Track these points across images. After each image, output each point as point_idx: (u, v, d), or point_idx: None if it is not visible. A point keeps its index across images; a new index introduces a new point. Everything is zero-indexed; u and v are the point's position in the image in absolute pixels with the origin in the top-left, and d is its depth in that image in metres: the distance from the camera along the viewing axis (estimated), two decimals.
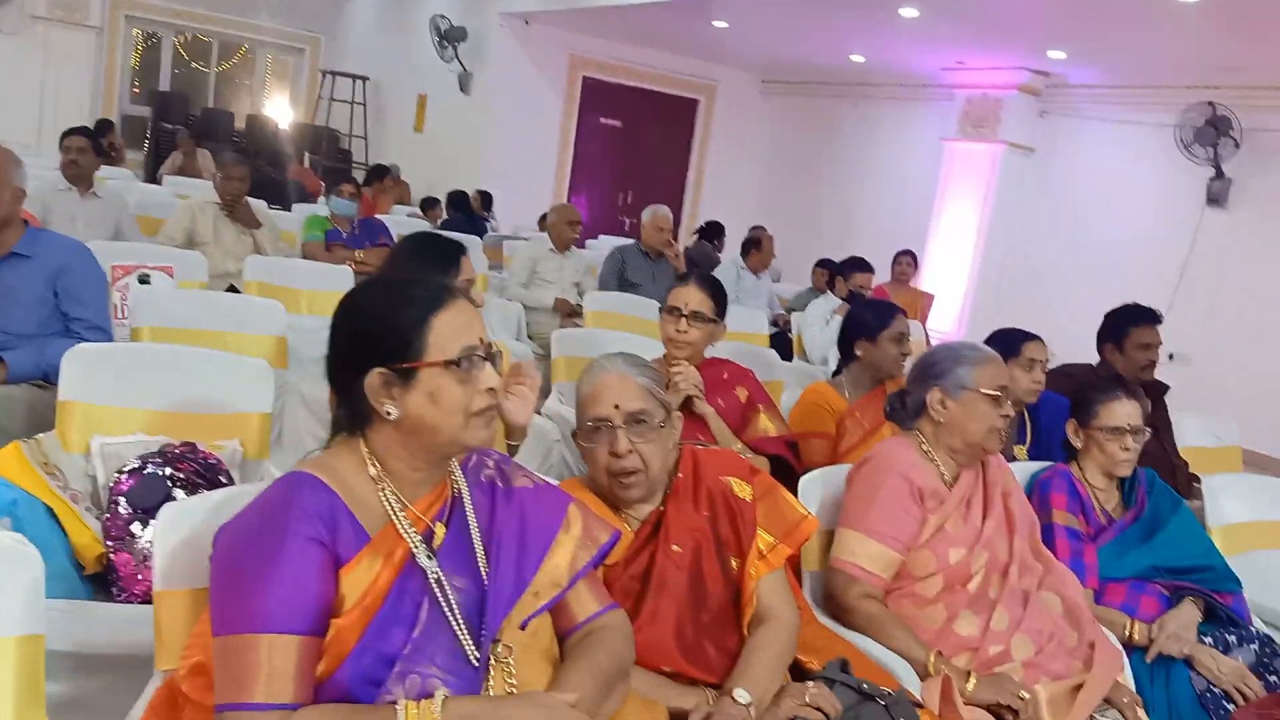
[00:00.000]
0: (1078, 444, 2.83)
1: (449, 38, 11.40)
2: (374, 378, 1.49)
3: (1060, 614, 2.33)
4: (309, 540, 1.42)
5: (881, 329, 3.33)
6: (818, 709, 1.79)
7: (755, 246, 7.35)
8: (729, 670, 1.87)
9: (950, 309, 9.73)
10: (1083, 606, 2.37)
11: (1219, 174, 8.25)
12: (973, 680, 2.13)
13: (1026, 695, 2.11)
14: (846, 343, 3.43)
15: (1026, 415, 3.42)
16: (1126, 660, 2.43)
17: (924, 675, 2.16)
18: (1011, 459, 3.24)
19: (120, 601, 2.25)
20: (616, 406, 1.95)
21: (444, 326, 1.51)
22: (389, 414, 1.50)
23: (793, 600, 2.03)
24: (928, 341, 6.72)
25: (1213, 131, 8.04)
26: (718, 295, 3.09)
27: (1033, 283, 9.65)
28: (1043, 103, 9.69)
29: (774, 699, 1.81)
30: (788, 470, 2.93)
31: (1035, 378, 3.28)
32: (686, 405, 2.94)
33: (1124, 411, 2.76)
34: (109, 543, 2.27)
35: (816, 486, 2.54)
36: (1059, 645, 2.26)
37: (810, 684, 1.84)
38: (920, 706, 1.95)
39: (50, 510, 2.21)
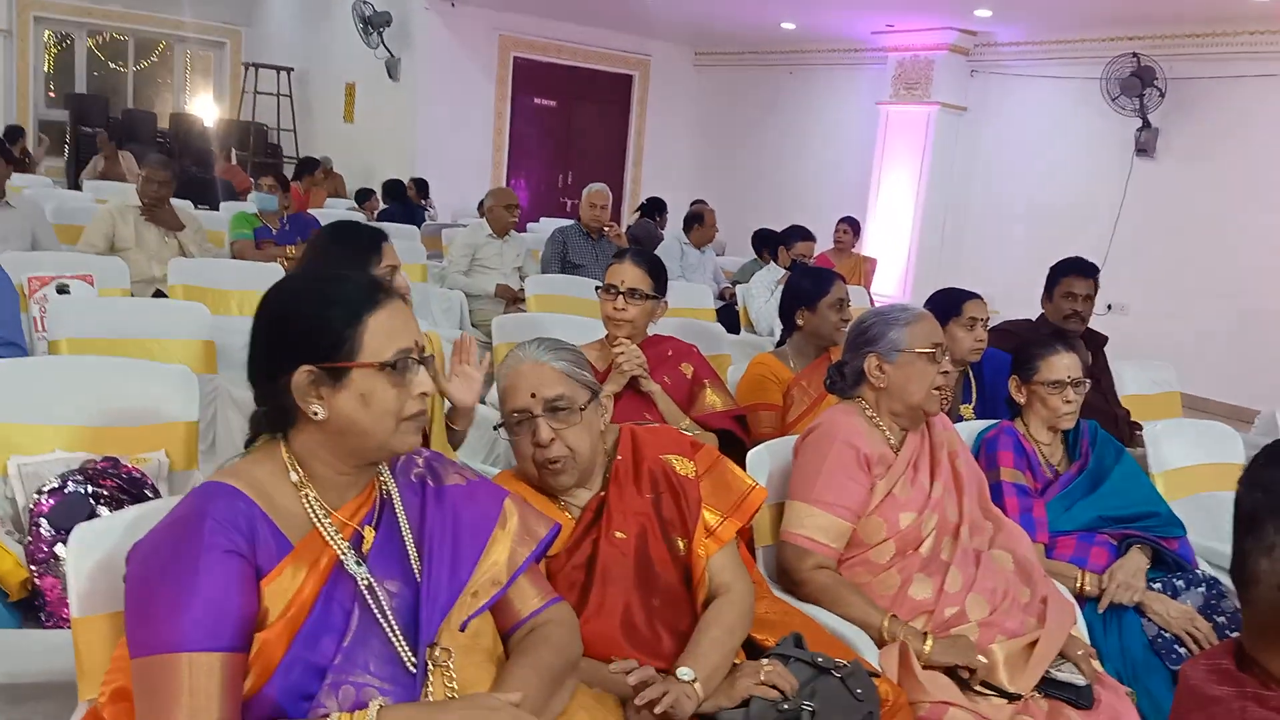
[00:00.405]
0: (1020, 400, 2.83)
1: (373, 23, 11.19)
2: (301, 376, 1.42)
3: (1012, 571, 2.33)
4: (226, 552, 1.35)
5: (820, 296, 3.31)
6: (773, 686, 1.76)
7: (698, 221, 7.31)
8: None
9: (894, 272, 9.79)
10: (1034, 563, 2.36)
11: (1145, 124, 8.36)
12: (929, 642, 2.11)
13: (983, 659, 2.10)
14: (787, 312, 3.41)
15: (971, 374, 3.41)
16: (1079, 612, 2.43)
17: (880, 642, 2.15)
18: (958, 419, 3.23)
19: (49, 627, 2.15)
20: (534, 395, 1.89)
21: (379, 327, 1.45)
22: (315, 414, 1.43)
23: (746, 574, 2.00)
24: (872, 305, 6.74)
25: (1138, 82, 8.13)
26: (656, 271, 3.04)
27: (972, 242, 9.74)
28: (972, 61, 9.75)
29: (728, 678, 1.78)
30: (737, 446, 2.90)
31: (977, 336, 3.28)
32: (633, 384, 2.89)
33: (1063, 364, 2.76)
34: (33, 567, 2.18)
35: (764, 459, 2.50)
36: (1013, 603, 2.25)
37: (765, 661, 1.82)
38: (877, 675, 1.93)
39: None
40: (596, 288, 3.10)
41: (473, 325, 5.68)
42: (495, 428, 2.08)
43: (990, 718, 2.03)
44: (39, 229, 5.10)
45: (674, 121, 12.92)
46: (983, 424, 2.90)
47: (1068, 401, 2.75)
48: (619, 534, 1.90)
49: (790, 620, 2.07)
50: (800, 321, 3.36)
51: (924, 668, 2.07)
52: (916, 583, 2.24)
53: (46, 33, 13.71)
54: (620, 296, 2.98)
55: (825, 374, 3.16)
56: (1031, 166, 9.37)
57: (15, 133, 10.74)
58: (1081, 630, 2.40)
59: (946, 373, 2.38)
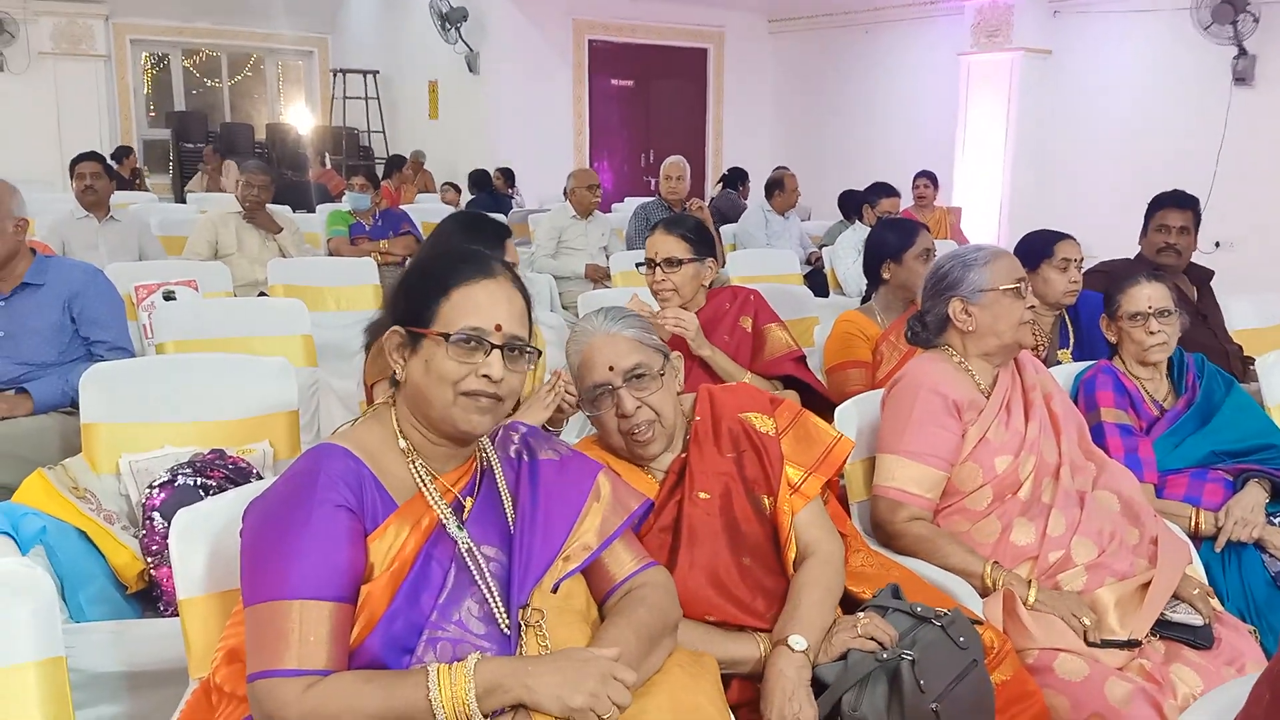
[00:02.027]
0: (1111, 337, 2.76)
1: (450, 19, 11.32)
2: (391, 336, 1.53)
3: (1118, 512, 2.25)
4: (336, 507, 1.42)
5: (905, 248, 3.24)
6: (871, 638, 1.73)
7: (778, 188, 7.24)
8: (777, 613, 1.82)
9: (987, 222, 9.55)
10: (1142, 503, 2.28)
11: (1242, 52, 8.01)
12: (1034, 590, 2.05)
13: (1090, 620, 2.03)
14: (872, 267, 3.35)
15: (1067, 319, 3.31)
16: (1194, 551, 2.34)
17: (983, 591, 2.10)
18: (1055, 364, 3.14)
19: (169, 615, 2.25)
20: (611, 367, 1.89)
21: (461, 300, 1.50)
22: (395, 374, 1.53)
23: (834, 531, 1.97)
24: None
25: (1230, 9, 7.78)
26: (692, 235, 2.98)
27: (1066, 185, 9.42)
28: (1054, 3, 9.42)
29: (826, 635, 1.76)
30: (822, 405, 2.86)
31: (1071, 278, 3.17)
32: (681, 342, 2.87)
33: (1144, 295, 2.67)
34: (148, 559, 2.28)
35: (852, 414, 2.46)
36: (1120, 544, 2.18)
37: (861, 614, 1.79)
38: (980, 623, 1.89)
39: (84, 534, 2.22)
40: (637, 264, 3.08)
41: (563, 307, 5.73)
42: (575, 406, 2.09)
43: (1103, 662, 1.97)
44: (144, 241, 5.31)
45: (751, 91, 12.78)
46: (1079, 365, 2.81)
47: (1152, 333, 2.65)
48: (703, 494, 1.89)
49: (888, 573, 2.04)
50: (886, 275, 3.30)
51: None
52: (1017, 528, 2.18)
53: (143, 55, 14.22)
54: (657, 268, 2.96)
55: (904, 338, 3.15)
56: (1123, 106, 9.01)
57: (124, 152, 11.19)
58: (1198, 570, 2.31)
59: (1032, 307, 2.31)
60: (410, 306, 1.53)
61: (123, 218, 5.25)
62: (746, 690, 1.77)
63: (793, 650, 1.70)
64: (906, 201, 6.92)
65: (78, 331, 3.08)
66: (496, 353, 1.49)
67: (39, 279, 3.05)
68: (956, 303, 2.31)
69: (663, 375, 1.91)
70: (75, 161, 5.18)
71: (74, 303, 3.06)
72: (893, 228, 3.42)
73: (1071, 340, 3.30)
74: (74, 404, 2.91)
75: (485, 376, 1.49)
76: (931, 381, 2.26)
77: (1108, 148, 9.14)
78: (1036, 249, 3.16)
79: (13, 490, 2.48)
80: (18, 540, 2.11)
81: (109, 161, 5.44)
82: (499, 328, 1.50)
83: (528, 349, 1.53)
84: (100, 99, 12.79)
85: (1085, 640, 2.02)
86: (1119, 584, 2.11)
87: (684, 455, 1.95)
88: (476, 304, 1.50)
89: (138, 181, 10.91)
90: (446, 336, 1.48)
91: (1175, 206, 3.68)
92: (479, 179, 9.66)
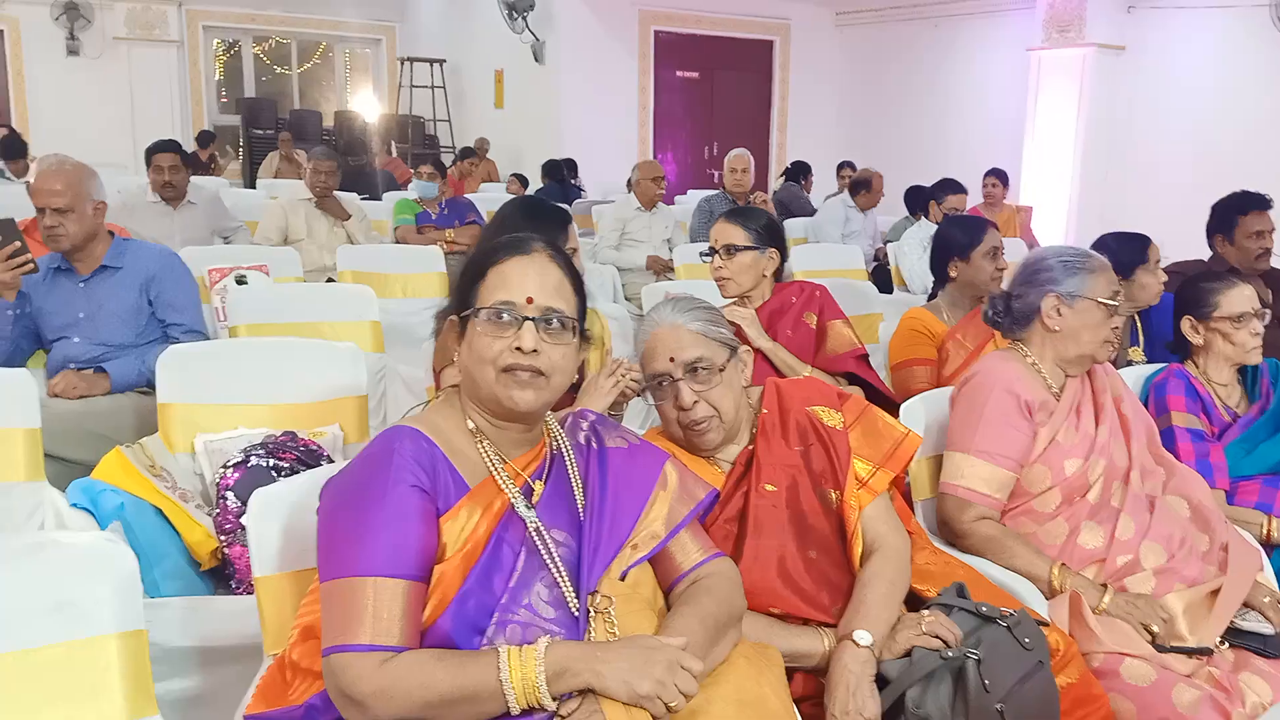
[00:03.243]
0: (1197, 341, 2.68)
1: (517, 8, 11.38)
2: (450, 327, 1.57)
3: (1188, 518, 2.22)
4: (411, 487, 1.45)
5: (973, 245, 3.20)
6: (936, 636, 1.72)
7: (865, 187, 7.23)
8: (842, 607, 1.82)
9: (1055, 220, 9.39)
10: (1212, 508, 2.24)
11: None
12: (1108, 595, 2.03)
13: (1165, 617, 2.00)
14: (940, 264, 3.31)
15: (1137, 318, 3.25)
16: (1266, 559, 2.29)
17: (1049, 593, 2.08)
18: (1127, 363, 3.09)
19: (240, 593, 2.31)
20: (672, 359, 1.90)
21: (495, 279, 1.54)
22: (455, 360, 1.57)
23: (901, 527, 1.96)
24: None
25: None
26: (754, 223, 2.98)
27: (1137, 184, 9.23)
28: None
29: (891, 631, 1.75)
30: (876, 395, 2.84)
31: (1161, 279, 3.14)
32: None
33: (1244, 296, 2.62)
34: (221, 537, 2.34)
35: (919, 411, 2.44)
36: (1190, 550, 2.14)
37: (926, 612, 1.78)
38: (1046, 625, 1.87)
39: (159, 511, 2.28)
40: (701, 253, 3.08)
41: (625, 298, 5.74)
42: (638, 393, 2.10)
43: (1171, 668, 1.94)
44: (221, 220, 5.33)
45: (817, 84, 12.68)
46: (1150, 369, 2.76)
47: (1255, 334, 2.60)
48: (769, 486, 1.89)
49: (952, 571, 2.01)
50: (953, 273, 3.26)
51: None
52: (1086, 530, 2.15)
53: (215, 41, 14.51)
54: (716, 255, 2.96)
55: (982, 325, 3.10)
56: (1197, 104, 8.81)
57: (208, 137, 11.43)
58: (1269, 578, 2.26)
59: (1117, 328, 2.28)
60: (459, 295, 1.57)
61: (198, 200, 5.24)
62: (810, 684, 1.77)
63: (858, 645, 1.70)
64: (974, 199, 6.84)
65: (154, 314, 3.16)
66: (529, 324, 1.51)
67: (117, 262, 3.14)
68: (1052, 299, 2.27)
69: (723, 370, 1.91)
70: (152, 151, 5.08)
71: (151, 285, 3.14)
72: (960, 225, 3.38)
73: (1141, 339, 3.25)
74: (149, 384, 3.00)
75: (518, 349, 1.50)
76: (1005, 381, 2.23)
77: (1180, 146, 8.94)
78: (1130, 254, 3.13)
79: (89, 466, 2.56)
80: (96, 515, 2.19)
81: (185, 151, 5.36)
82: (530, 300, 1.52)
83: (567, 319, 1.54)
84: (172, 85, 13.07)
85: (1153, 645, 1.99)
86: (1188, 590, 2.08)
87: (751, 447, 1.95)
88: (506, 280, 1.53)
89: (213, 166, 11.13)
90: (479, 311, 1.52)
91: (1260, 209, 3.59)
92: (550, 168, 9.70)
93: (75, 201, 3.01)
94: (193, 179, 5.34)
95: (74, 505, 2.22)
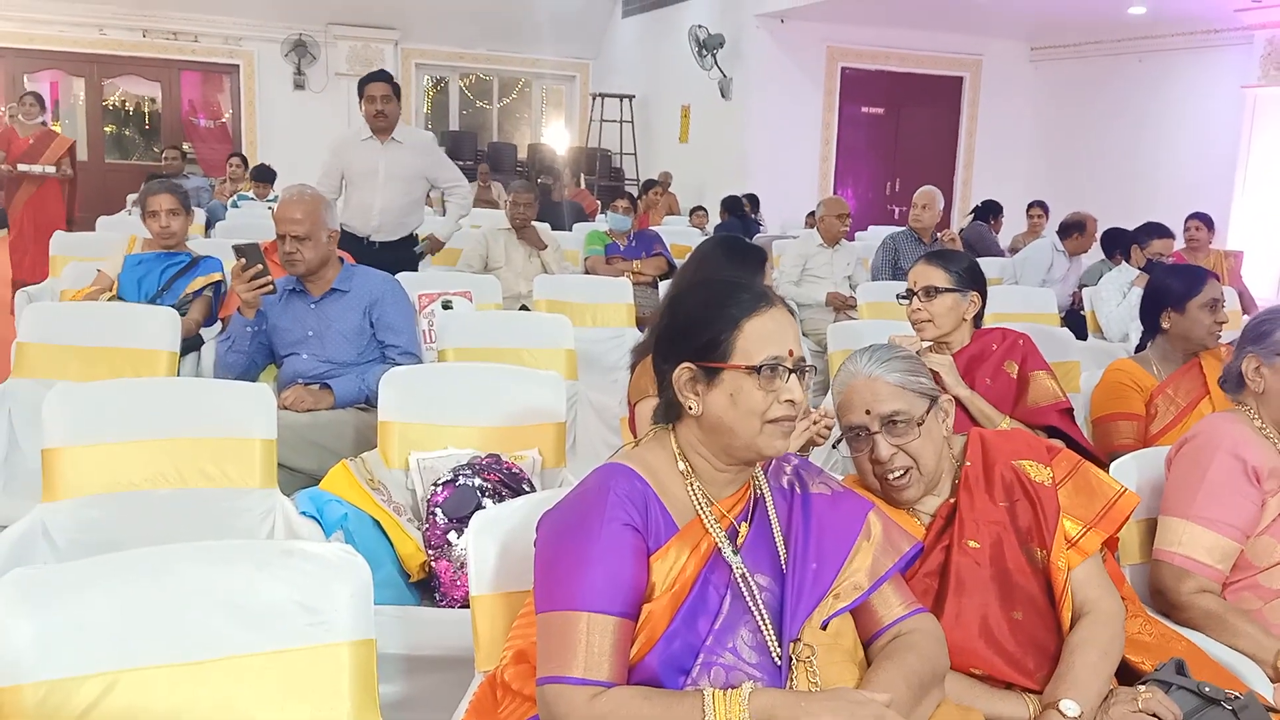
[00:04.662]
0: None
1: (707, 46, 11.54)
2: (682, 372, 1.57)
3: None
4: (624, 525, 1.49)
5: (1190, 296, 3.04)
6: (1153, 715, 1.64)
7: (1078, 230, 6.94)
8: (1049, 673, 1.75)
9: (1269, 269, 8.80)
10: None
11: None
12: None
13: None
14: (1151, 314, 3.16)
15: None
16: None
17: (1275, 677, 1.95)
18: None
19: (443, 606, 2.42)
20: (868, 412, 1.87)
21: (754, 331, 1.54)
22: (691, 409, 1.56)
23: (1114, 591, 1.87)
24: (1243, 304, 6.10)
25: None
26: (956, 265, 2.92)
27: None
28: None
29: (1102, 705, 1.68)
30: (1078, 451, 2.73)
31: None
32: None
33: None
34: (430, 551, 2.45)
35: (1131, 470, 2.33)
36: None
37: (1143, 687, 1.70)
38: (1276, 711, 1.76)
39: (377, 523, 2.42)
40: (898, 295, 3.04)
41: (804, 335, 5.72)
42: (834, 445, 2.09)
43: None
44: (436, 169, 5.27)
45: (1008, 120, 12.30)
46: None
47: None
48: (972, 543, 1.84)
49: (1170, 644, 1.91)
50: (1166, 324, 3.10)
51: None
52: None
53: (425, 78, 15.34)
54: (914, 297, 2.91)
55: (1195, 381, 2.96)
56: None
57: None
58: None
59: None
60: (699, 342, 1.56)
61: (405, 139, 5.14)
62: None
63: (1065, 716, 1.64)
64: (1176, 243, 6.49)
65: (374, 335, 3.35)
66: (794, 377, 1.54)
67: (345, 285, 3.35)
68: (1252, 359, 2.16)
69: (922, 424, 1.87)
70: (365, 81, 5.04)
71: (374, 309, 3.34)
72: (1177, 274, 3.22)
73: None
74: (368, 401, 3.19)
75: (789, 401, 1.53)
76: (1230, 443, 2.12)
77: None
78: None
79: (310, 475, 2.74)
80: (322, 523, 2.33)
81: (396, 83, 5.15)
82: (791, 353, 1.54)
83: (808, 368, 1.57)
84: None
85: None
86: None
87: (953, 500, 1.90)
88: (767, 334, 1.54)
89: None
90: (757, 370, 1.52)
91: None
92: (731, 204, 9.78)
93: (313, 230, 3.24)
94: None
95: (302, 513, 2.38)
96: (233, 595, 1.52)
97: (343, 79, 13.47)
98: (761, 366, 1.52)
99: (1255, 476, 2.10)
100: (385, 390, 2.72)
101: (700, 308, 1.60)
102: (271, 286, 3.19)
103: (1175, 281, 3.13)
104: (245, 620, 1.51)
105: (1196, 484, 2.12)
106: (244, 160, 10.61)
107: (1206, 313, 3.04)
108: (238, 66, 14.17)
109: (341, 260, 3.42)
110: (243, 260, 3.17)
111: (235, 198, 9.26)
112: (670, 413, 1.63)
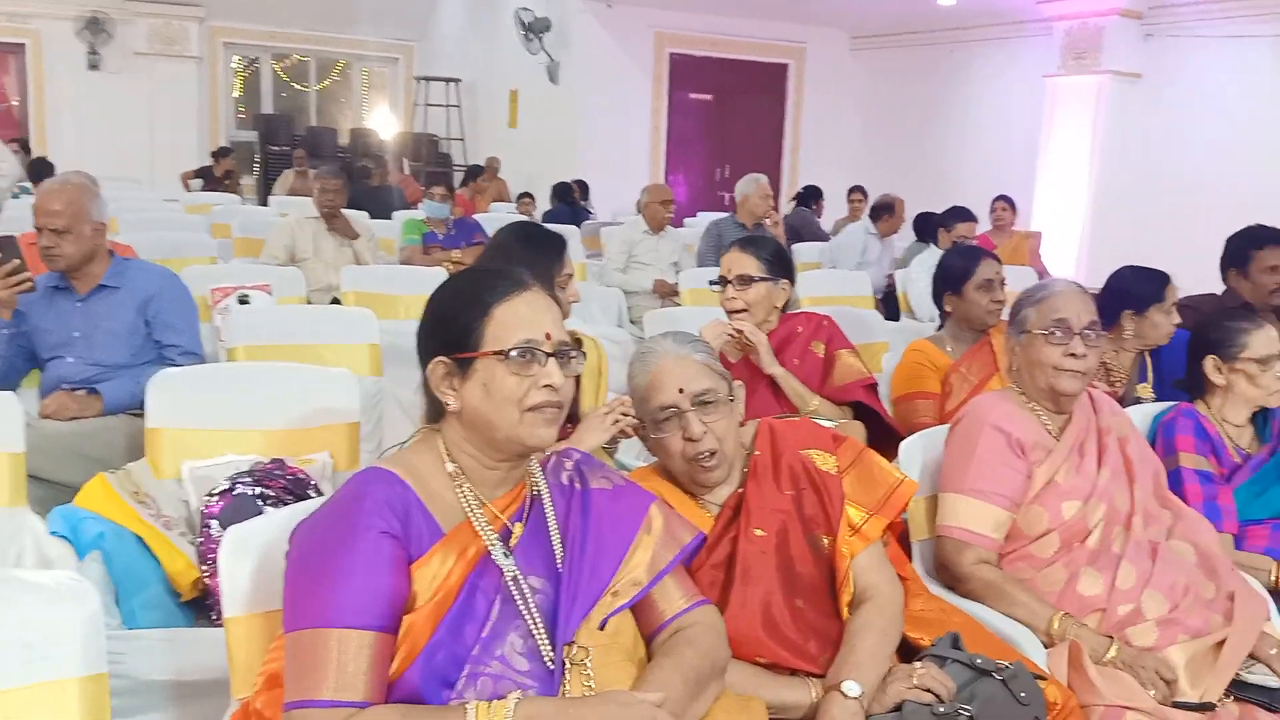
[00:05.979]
0: (1220, 381, 2.59)
1: (533, 29, 11.43)
2: (436, 367, 1.50)
3: (1194, 564, 2.16)
4: (381, 534, 1.40)
5: (965, 279, 3.15)
6: (928, 690, 1.67)
7: (888, 212, 7.19)
8: (831, 657, 1.77)
9: (1067, 248, 9.34)
10: (1219, 554, 2.19)
11: None
12: (1114, 648, 1.97)
13: (1171, 678, 1.94)
14: (937, 296, 3.27)
15: (1146, 355, 3.19)
16: (1274, 607, 2.22)
17: (1049, 643, 2.02)
18: (1135, 400, 3.03)
19: (220, 625, 2.26)
20: (681, 390, 1.85)
21: (505, 316, 1.48)
22: (449, 405, 1.49)
23: (894, 576, 1.91)
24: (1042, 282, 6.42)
25: None
26: (766, 254, 2.95)
27: (1151, 214, 9.16)
28: (1146, 26, 9.20)
29: (880, 683, 1.70)
30: (890, 438, 2.79)
31: (1174, 320, 3.09)
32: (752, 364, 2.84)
33: (1270, 338, 2.56)
34: (203, 567, 2.30)
35: (918, 449, 2.39)
36: (1195, 599, 2.08)
37: (918, 664, 1.73)
38: (1044, 678, 1.81)
39: (141, 540, 2.25)
40: (710, 281, 3.04)
41: (630, 321, 5.71)
42: (635, 431, 2.06)
43: None
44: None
45: (831, 108, 12.67)
46: (1158, 407, 2.70)
47: (1278, 376, 2.53)
48: (758, 531, 1.85)
49: (948, 619, 1.96)
50: (949, 307, 3.22)
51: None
52: (1085, 578, 2.09)
53: (235, 58, 14.62)
54: (729, 285, 2.92)
55: (986, 358, 3.06)
56: (1216, 133, 8.73)
57: (224, 152, 11.47)
58: (1277, 628, 2.19)
59: (1073, 354, 2.19)
60: (451, 334, 1.49)
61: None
62: None
63: (846, 697, 1.65)
64: (984, 225, 6.79)
65: (150, 334, 3.13)
66: (553, 361, 1.48)
67: (116, 281, 3.12)
68: (1009, 338, 2.29)
69: (729, 402, 1.88)
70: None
71: (149, 306, 3.12)
72: (957, 256, 3.33)
73: (1150, 375, 3.19)
74: (143, 406, 2.97)
75: (548, 386, 1.47)
76: (995, 418, 2.19)
77: (1197, 177, 8.87)
78: (1147, 292, 3.10)
79: (77, 489, 2.53)
80: (76, 544, 2.15)
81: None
82: (549, 336, 1.49)
83: (573, 353, 1.52)
84: (191, 100, 13.17)
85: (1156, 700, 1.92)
86: (1192, 642, 2.01)
87: (741, 490, 1.90)
88: (521, 317, 1.49)
89: (228, 182, 11.17)
90: (505, 354, 1.46)
91: (1276, 244, 3.51)
92: (561, 191, 9.70)
93: (73, 223, 3.00)
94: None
95: (53, 533, 2.19)
96: None
97: (142, 59, 12.72)
98: (512, 351, 1.46)
99: (1020, 448, 2.17)
100: (154, 394, 2.54)
101: (452, 298, 1.53)
102: (30, 284, 2.93)
103: (956, 263, 3.24)
104: None
105: (967, 460, 2.18)
106: (24, 147, 9.90)
107: (982, 293, 3.15)
108: (23, 46, 13.12)
109: (112, 254, 3.18)
110: None
111: (17, 189, 8.62)
112: (434, 412, 1.55)
